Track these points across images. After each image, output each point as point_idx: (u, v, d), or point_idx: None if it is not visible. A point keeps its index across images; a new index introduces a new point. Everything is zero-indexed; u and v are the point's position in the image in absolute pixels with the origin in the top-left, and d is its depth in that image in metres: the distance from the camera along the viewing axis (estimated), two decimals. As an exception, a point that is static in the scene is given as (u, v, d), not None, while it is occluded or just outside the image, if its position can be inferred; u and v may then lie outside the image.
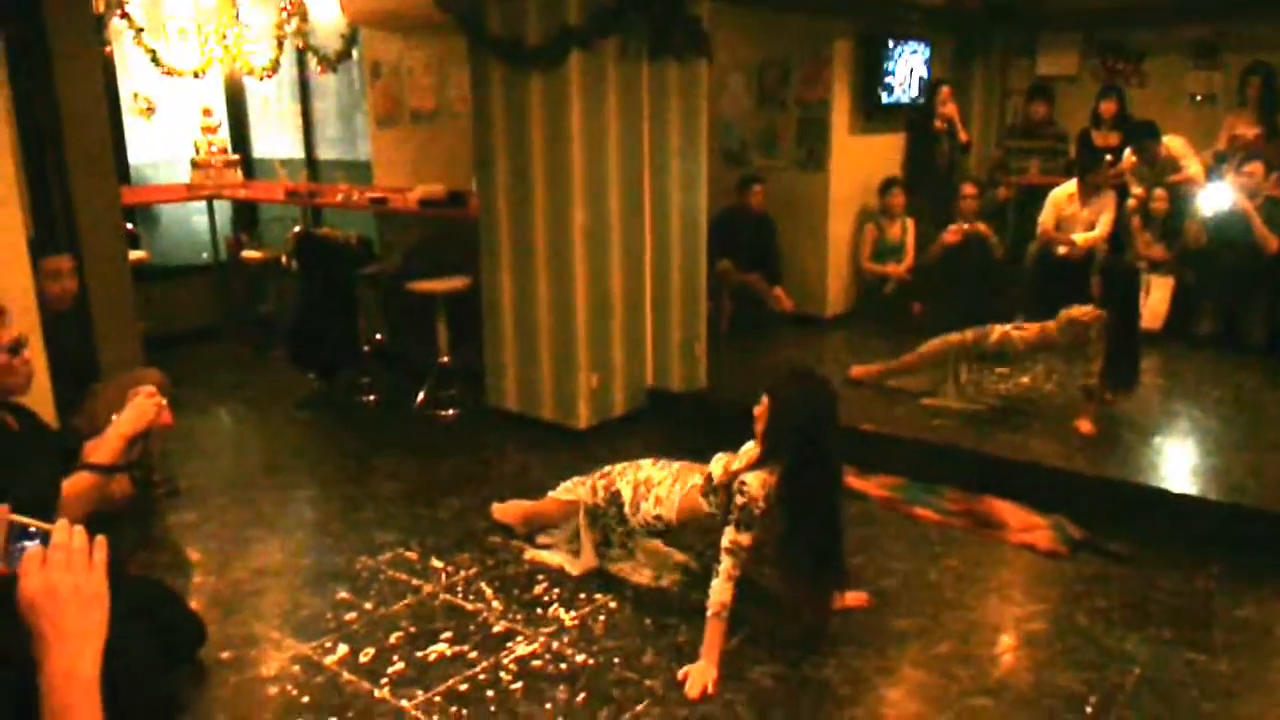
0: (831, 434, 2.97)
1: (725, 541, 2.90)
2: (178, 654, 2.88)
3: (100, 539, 1.22)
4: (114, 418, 2.60)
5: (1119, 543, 3.67)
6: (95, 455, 2.55)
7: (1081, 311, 4.71)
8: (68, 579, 1.16)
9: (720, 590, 2.86)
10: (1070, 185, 6.50)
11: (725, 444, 3.19)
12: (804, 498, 2.89)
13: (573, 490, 3.56)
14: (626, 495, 3.31)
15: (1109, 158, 6.76)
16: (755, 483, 2.89)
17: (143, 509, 4.01)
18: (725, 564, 2.87)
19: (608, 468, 3.51)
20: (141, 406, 2.60)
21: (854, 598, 3.28)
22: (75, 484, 2.49)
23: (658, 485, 3.26)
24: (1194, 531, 3.74)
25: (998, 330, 4.93)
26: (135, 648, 2.30)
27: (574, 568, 3.51)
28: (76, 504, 2.46)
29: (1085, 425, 4.60)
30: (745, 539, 2.88)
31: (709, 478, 3.11)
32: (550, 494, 3.69)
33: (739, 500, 2.89)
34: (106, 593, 1.19)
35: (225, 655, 3.02)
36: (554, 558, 3.61)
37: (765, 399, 2.99)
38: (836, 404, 3.01)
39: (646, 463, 3.41)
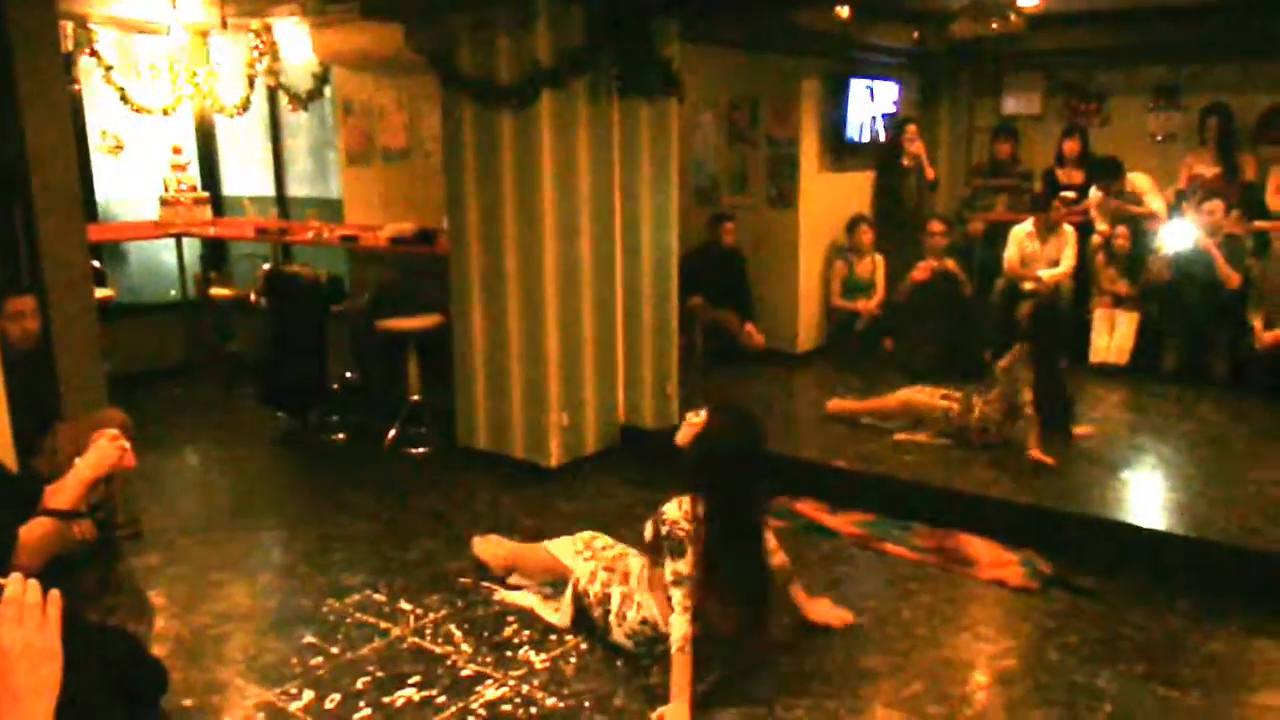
0: (756, 467, 3.07)
1: (668, 575, 2.93)
2: (139, 702, 2.81)
3: (54, 593, 1.20)
4: (75, 461, 2.56)
5: (1088, 578, 3.69)
6: (55, 500, 2.50)
7: (1003, 360, 4.91)
8: (19, 636, 1.14)
9: (679, 623, 2.87)
10: (1029, 224, 6.65)
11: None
12: (725, 525, 2.94)
13: (572, 558, 3.44)
14: (614, 603, 3.21)
15: (1072, 195, 6.90)
16: (671, 508, 2.99)
17: (105, 552, 3.92)
18: (676, 596, 2.90)
19: (610, 545, 3.47)
20: (103, 450, 2.56)
21: (839, 617, 3.35)
22: (34, 530, 2.44)
23: (639, 595, 3.15)
24: (1162, 566, 3.76)
25: (979, 409, 5.00)
26: (92, 699, 2.24)
27: (547, 613, 3.45)
28: (35, 550, 2.41)
29: (1036, 452, 4.65)
30: (683, 566, 2.90)
31: (648, 544, 3.10)
32: (546, 544, 3.58)
33: (662, 530, 2.96)
34: (59, 648, 1.17)
35: (188, 703, 2.96)
36: (525, 599, 3.56)
37: (704, 414, 3.10)
38: (763, 439, 3.12)
39: (636, 566, 3.25)
